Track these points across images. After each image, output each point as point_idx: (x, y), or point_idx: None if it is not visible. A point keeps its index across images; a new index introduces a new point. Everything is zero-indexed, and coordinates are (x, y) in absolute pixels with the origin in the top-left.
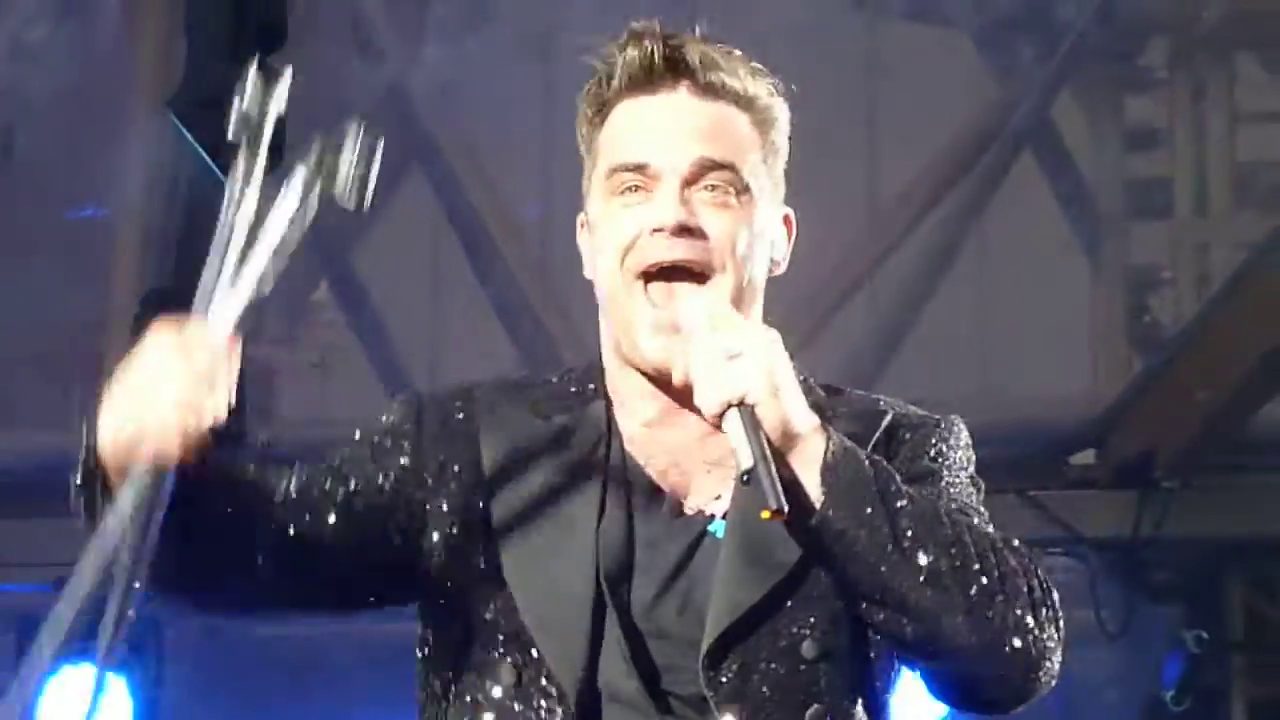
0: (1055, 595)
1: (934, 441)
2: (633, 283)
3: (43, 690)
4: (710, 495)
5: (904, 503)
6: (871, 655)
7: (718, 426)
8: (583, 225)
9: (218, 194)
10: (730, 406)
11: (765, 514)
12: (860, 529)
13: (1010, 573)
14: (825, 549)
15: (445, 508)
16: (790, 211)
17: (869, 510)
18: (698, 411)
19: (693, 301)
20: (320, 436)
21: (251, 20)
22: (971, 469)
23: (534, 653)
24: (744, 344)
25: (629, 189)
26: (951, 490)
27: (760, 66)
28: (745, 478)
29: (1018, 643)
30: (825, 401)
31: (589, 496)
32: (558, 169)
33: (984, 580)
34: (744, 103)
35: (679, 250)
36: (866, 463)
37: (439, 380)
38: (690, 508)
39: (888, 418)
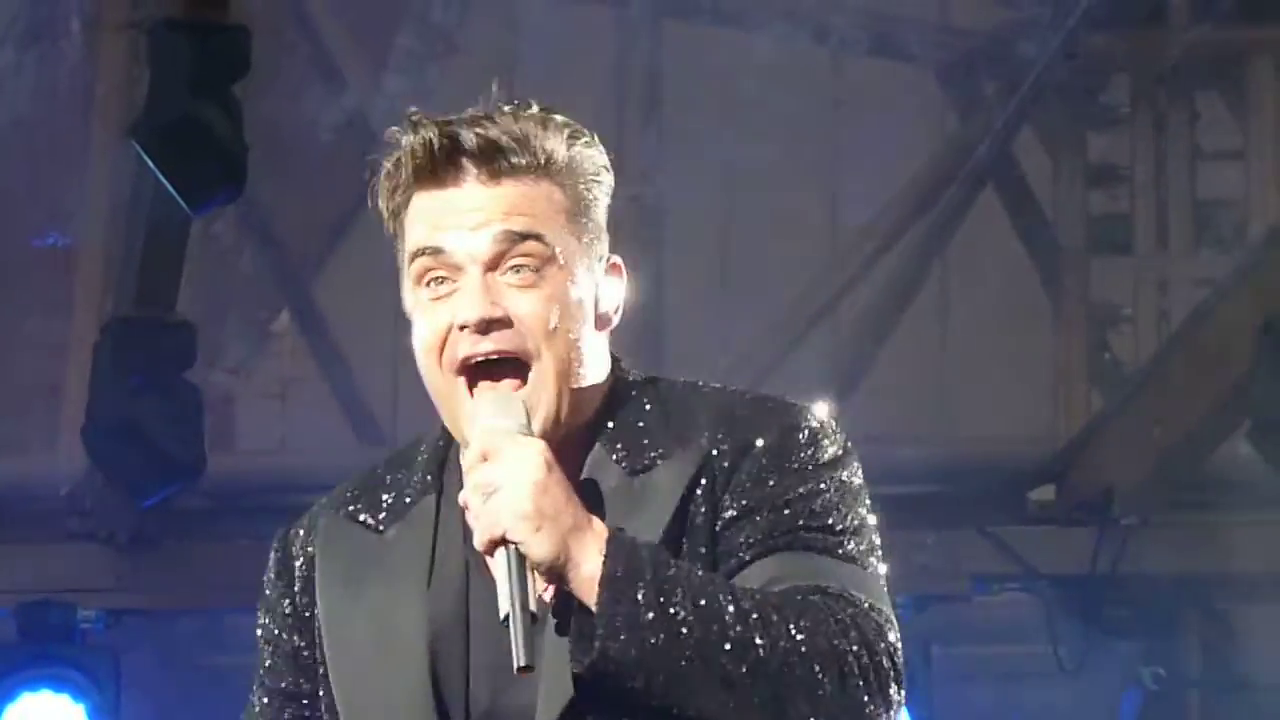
0: (885, 658)
1: (763, 475)
2: (454, 379)
3: None
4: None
5: (686, 615)
6: None
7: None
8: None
9: (178, 222)
10: (496, 546)
11: (516, 669)
12: (640, 663)
13: (814, 655)
14: (608, 675)
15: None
16: (618, 259)
17: (652, 642)
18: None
19: (483, 409)
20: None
21: (214, 49)
22: (836, 472)
23: None
24: (501, 476)
25: (435, 280)
26: (793, 521)
27: (556, 115)
28: (505, 622)
29: None
30: (651, 424)
31: (416, 603)
32: None
33: (778, 679)
34: (539, 170)
35: (488, 344)
36: (648, 572)
37: (401, 412)
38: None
39: (704, 455)
